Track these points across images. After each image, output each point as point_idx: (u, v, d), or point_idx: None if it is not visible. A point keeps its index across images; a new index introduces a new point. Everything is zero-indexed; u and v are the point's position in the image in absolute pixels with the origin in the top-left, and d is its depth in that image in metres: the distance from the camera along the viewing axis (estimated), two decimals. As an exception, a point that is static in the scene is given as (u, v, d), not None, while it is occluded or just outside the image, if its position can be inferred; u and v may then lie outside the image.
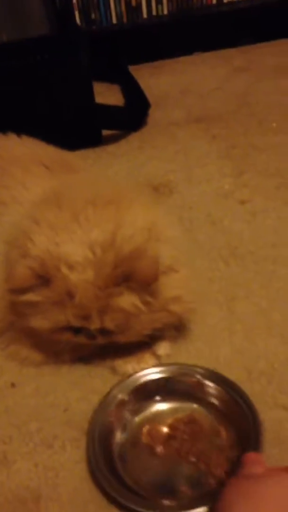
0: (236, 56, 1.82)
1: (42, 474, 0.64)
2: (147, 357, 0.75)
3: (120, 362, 0.75)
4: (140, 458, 0.64)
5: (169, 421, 0.67)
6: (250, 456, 0.57)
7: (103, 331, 0.67)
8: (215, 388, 0.69)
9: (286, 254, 0.94)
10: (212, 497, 0.55)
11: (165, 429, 0.67)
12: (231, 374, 0.70)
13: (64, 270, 0.63)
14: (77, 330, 0.67)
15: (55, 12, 1.63)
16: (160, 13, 1.74)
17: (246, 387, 0.69)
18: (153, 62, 1.86)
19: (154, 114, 1.47)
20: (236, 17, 1.78)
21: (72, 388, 0.74)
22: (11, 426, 0.70)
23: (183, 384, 0.70)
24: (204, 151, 1.30)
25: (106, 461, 0.63)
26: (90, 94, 1.27)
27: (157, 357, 0.75)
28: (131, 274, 0.64)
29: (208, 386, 0.69)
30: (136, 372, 0.72)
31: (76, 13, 1.67)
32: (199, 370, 0.70)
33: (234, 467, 0.60)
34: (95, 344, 0.69)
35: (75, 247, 0.64)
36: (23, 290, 0.65)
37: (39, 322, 0.67)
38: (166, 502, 0.59)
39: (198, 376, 0.70)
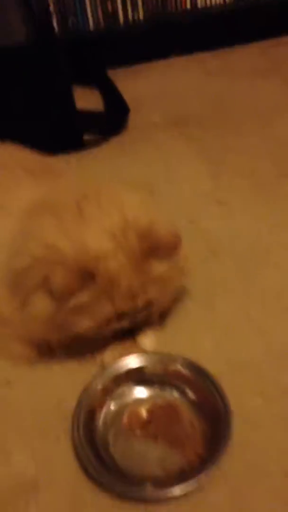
0: (210, 60, 1.87)
1: (40, 464, 0.69)
2: (131, 347, 0.80)
3: (106, 352, 0.79)
4: (120, 441, 0.69)
5: (148, 406, 0.73)
6: None
7: (146, 305, 0.72)
8: (192, 377, 0.74)
9: (261, 251, 0.99)
10: (184, 478, 0.61)
11: (144, 414, 0.72)
12: (212, 366, 0.75)
13: (101, 262, 0.68)
14: (120, 317, 0.71)
15: (32, 18, 1.66)
16: (136, 18, 1.78)
17: (226, 378, 0.74)
18: (131, 66, 1.90)
19: (133, 118, 1.50)
20: (210, 22, 1.83)
21: (64, 382, 0.78)
22: (8, 423, 0.74)
23: (162, 372, 0.76)
24: (182, 153, 1.35)
25: (90, 444, 0.67)
26: (71, 101, 1.32)
27: (141, 347, 0.80)
28: (156, 243, 0.70)
29: (186, 375, 0.74)
30: (119, 360, 0.77)
31: (54, 19, 1.70)
32: (178, 360, 0.76)
33: (205, 452, 0.66)
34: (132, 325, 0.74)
35: (98, 240, 0.69)
36: (71, 294, 0.68)
37: (87, 323, 0.71)
38: (144, 482, 0.64)
39: (177, 365, 0.75)
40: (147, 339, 0.80)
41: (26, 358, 0.81)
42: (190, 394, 0.73)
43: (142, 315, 0.74)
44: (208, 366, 0.75)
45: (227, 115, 1.52)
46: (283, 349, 0.80)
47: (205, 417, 0.70)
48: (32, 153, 1.00)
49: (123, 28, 1.77)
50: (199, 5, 1.81)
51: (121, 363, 0.76)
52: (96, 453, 0.66)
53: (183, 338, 0.82)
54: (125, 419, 0.72)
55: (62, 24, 1.71)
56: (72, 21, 1.72)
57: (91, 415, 0.71)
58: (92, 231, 0.71)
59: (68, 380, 0.78)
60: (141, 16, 1.78)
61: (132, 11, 1.76)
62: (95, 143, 1.42)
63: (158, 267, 0.72)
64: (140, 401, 0.74)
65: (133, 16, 1.76)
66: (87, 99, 1.65)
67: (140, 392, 0.75)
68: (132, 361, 0.76)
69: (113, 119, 1.48)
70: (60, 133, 1.36)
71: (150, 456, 0.67)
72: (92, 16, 1.72)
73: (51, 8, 1.67)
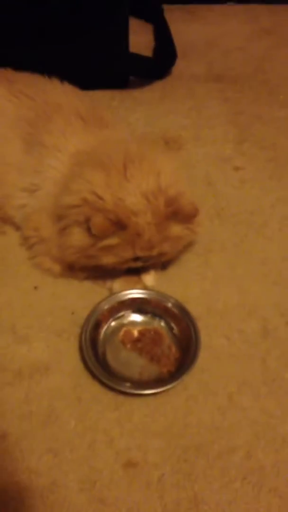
0: (267, 15, 1.92)
1: (52, 353, 0.92)
2: (135, 281, 1.00)
3: (116, 283, 1.01)
4: (114, 350, 0.92)
5: (140, 328, 0.95)
6: None
7: (158, 255, 0.92)
8: (178, 315, 0.95)
9: (259, 222, 1.17)
10: (155, 385, 0.85)
11: (135, 333, 0.94)
12: (195, 308, 0.96)
13: (133, 217, 0.87)
14: (136, 258, 0.92)
15: None
16: None
17: (203, 320, 0.96)
18: (188, 5, 1.96)
19: (179, 64, 1.61)
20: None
21: (79, 297, 1.00)
22: (32, 318, 0.97)
23: (156, 306, 0.97)
24: (215, 113, 1.48)
25: (92, 348, 0.89)
26: (126, 45, 1.42)
27: (144, 284, 1.01)
28: (179, 210, 0.89)
29: (174, 312, 0.95)
30: (125, 290, 0.98)
31: None
32: (171, 299, 0.96)
33: (175, 370, 0.88)
34: (144, 266, 0.95)
35: (134, 199, 0.87)
36: (105, 236, 0.87)
37: (110, 259, 0.90)
38: (125, 381, 0.87)
39: (169, 304, 0.96)
40: (150, 278, 1.01)
41: (52, 272, 1.02)
42: (173, 326, 0.95)
43: (153, 260, 0.94)
44: (191, 308, 0.96)
45: (266, 79, 1.61)
46: (253, 305, 1.00)
47: (180, 345, 0.92)
48: (87, 100, 1.13)
49: None
50: None
51: (126, 292, 0.97)
52: (95, 354, 0.89)
53: (178, 283, 1.03)
54: (120, 334, 0.94)
55: None
56: None
57: (96, 327, 0.93)
58: (131, 191, 0.88)
59: (82, 296, 1.00)
60: None
61: None
62: (139, 85, 1.54)
63: (175, 229, 0.91)
64: (134, 324, 0.96)
65: None
66: (140, 33, 1.74)
67: (136, 317, 0.97)
68: (135, 293, 0.97)
69: (160, 64, 1.59)
70: (110, 71, 1.47)
71: (134, 364, 0.90)
72: None
73: None
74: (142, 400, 0.86)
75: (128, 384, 0.87)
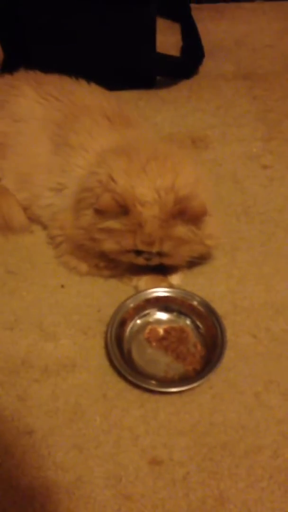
0: (297, 12, 1.89)
1: (78, 350, 0.93)
2: (161, 280, 1.01)
3: (141, 281, 1.01)
4: (140, 347, 0.92)
5: (165, 327, 0.95)
6: None
7: (159, 254, 0.91)
8: (203, 313, 0.94)
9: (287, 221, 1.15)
10: (181, 383, 0.85)
11: (161, 332, 0.94)
12: (221, 306, 0.96)
13: (138, 206, 0.87)
14: (138, 253, 0.91)
15: None
16: None
17: (230, 318, 0.95)
18: (216, 3, 1.95)
19: (206, 63, 1.60)
20: None
21: (105, 295, 1.01)
22: (59, 315, 0.98)
23: (182, 304, 0.96)
24: (243, 111, 1.46)
25: (118, 345, 0.90)
26: (153, 45, 1.42)
27: (169, 283, 1.01)
28: (186, 210, 0.88)
29: (199, 310, 0.95)
30: (151, 288, 0.98)
31: None
32: (196, 298, 0.96)
33: (200, 368, 0.88)
34: (149, 264, 0.93)
35: (145, 190, 0.87)
36: (106, 214, 0.88)
37: (111, 245, 0.91)
38: (151, 379, 0.87)
39: (195, 302, 0.96)
40: (176, 277, 1.01)
41: (78, 270, 1.03)
42: (199, 324, 0.95)
43: (156, 260, 0.93)
44: (217, 306, 0.95)
45: (297, 77, 1.59)
46: (280, 303, 0.99)
47: (206, 344, 0.92)
48: (113, 100, 1.14)
49: None
50: None
51: (151, 291, 0.97)
52: (121, 352, 0.89)
53: (204, 281, 1.02)
54: (146, 332, 0.94)
55: None
56: None
57: (122, 324, 0.93)
58: (145, 183, 0.88)
59: (108, 294, 1.00)
60: None
61: None
62: (166, 85, 1.54)
63: (180, 229, 0.89)
64: (160, 322, 0.96)
65: None
66: (167, 33, 1.74)
67: (162, 315, 0.97)
68: (161, 291, 0.97)
69: (188, 63, 1.58)
70: (137, 71, 1.47)
71: (159, 362, 0.90)
72: None
73: None
74: (168, 398, 0.86)
75: (153, 382, 0.87)
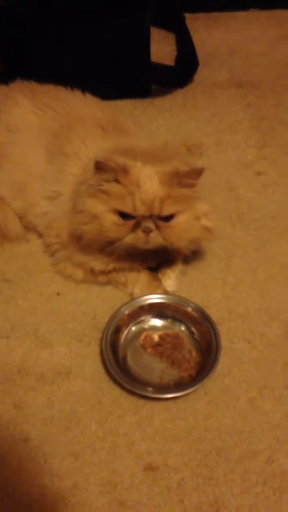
0: (288, 21, 1.91)
1: (74, 358, 0.93)
2: (156, 286, 1.01)
3: (136, 288, 1.01)
4: (135, 354, 0.93)
5: (160, 333, 0.95)
6: None
7: (158, 226, 0.90)
8: (198, 319, 0.95)
9: (282, 226, 1.16)
10: (176, 389, 0.86)
11: (156, 338, 0.95)
12: (216, 313, 0.96)
13: (136, 166, 0.89)
14: (137, 226, 0.90)
15: None
16: None
17: (224, 324, 0.96)
18: (210, 13, 1.96)
19: (200, 71, 1.61)
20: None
21: (100, 303, 1.01)
22: (55, 323, 0.98)
23: (176, 310, 0.97)
24: (237, 118, 1.47)
25: (113, 352, 0.90)
26: (148, 54, 1.44)
27: (164, 289, 1.01)
28: (183, 174, 0.90)
29: (194, 316, 0.95)
30: (145, 295, 0.98)
31: None
32: (190, 304, 0.97)
33: (195, 375, 0.88)
34: (147, 247, 0.92)
35: (145, 167, 0.90)
36: (106, 172, 0.90)
37: (110, 217, 0.90)
38: (147, 386, 0.88)
39: (189, 308, 0.96)
40: (171, 283, 1.01)
41: (74, 277, 1.04)
42: (194, 331, 0.95)
43: (155, 236, 0.90)
44: (212, 312, 0.96)
45: (288, 85, 1.61)
46: (275, 309, 1.00)
47: (201, 350, 0.92)
48: (108, 110, 1.15)
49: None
50: None
51: (146, 297, 0.98)
52: (116, 359, 0.90)
53: (199, 287, 1.03)
54: (141, 339, 0.95)
55: None
56: None
57: (117, 331, 0.94)
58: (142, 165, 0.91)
59: (103, 301, 1.01)
60: None
61: None
62: (161, 94, 1.54)
63: (178, 190, 0.91)
64: (155, 328, 0.97)
65: None
66: (162, 43, 1.75)
67: (156, 322, 0.97)
68: (155, 298, 0.98)
69: (182, 72, 1.60)
70: (133, 81, 1.49)
71: (154, 368, 0.91)
72: None
73: None
74: (163, 404, 0.87)
75: (149, 389, 0.87)
